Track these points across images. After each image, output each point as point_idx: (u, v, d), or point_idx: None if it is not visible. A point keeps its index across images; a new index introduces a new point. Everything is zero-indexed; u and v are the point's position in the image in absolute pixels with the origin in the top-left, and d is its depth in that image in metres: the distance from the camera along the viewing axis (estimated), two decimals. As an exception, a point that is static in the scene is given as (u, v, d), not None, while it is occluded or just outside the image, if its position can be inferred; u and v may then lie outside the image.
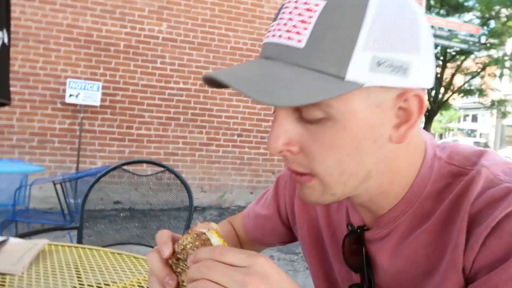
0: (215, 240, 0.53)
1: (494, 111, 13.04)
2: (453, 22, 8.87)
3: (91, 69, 5.12)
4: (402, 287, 0.61)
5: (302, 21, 0.48)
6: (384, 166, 0.55)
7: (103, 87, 5.11)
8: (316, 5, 0.47)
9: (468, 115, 30.51)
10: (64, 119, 5.04)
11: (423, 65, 0.50)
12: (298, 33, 0.48)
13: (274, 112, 0.54)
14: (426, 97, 0.51)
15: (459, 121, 31.21)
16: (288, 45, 0.48)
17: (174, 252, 0.55)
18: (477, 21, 11.57)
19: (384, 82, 0.48)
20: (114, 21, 5.18)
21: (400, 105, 0.51)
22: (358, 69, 0.47)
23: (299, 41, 0.47)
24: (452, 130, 31.32)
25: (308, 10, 0.48)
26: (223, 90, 5.60)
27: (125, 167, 2.03)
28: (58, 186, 3.16)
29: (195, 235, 0.53)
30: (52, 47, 4.96)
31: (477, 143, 21.72)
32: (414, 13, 0.50)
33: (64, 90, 4.90)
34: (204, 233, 0.53)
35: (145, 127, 5.38)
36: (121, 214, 4.70)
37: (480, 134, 29.48)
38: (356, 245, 0.64)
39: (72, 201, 3.30)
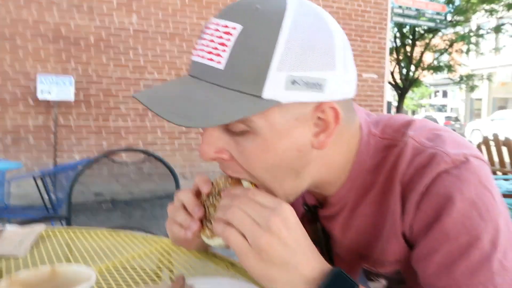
0: (246, 184, 0.59)
1: (463, 86, 13.45)
2: (420, 1, 9.05)
3: (62, 64, 5.04)
4: (356, 254, 0.68)
5: (222, 44, 0.51)
6: (314, 166, 0.59)
7: (76, 82, 5.05)
8: (234, 28, 0.51)
9: (438, 91, 31.30)
10: (37, 115, 4.97)
11: (339, 79, 0.54)
12: (218, 54, 0.51)
13: None
14: (340, 110, 0.55)
15: (430, 97, 31.99)
16: (210, 65, 0.51)
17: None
18: (443, -1, 11.84)
19: (300, 98, 0.52)
20: (82, 15, 5.10)
21: (318, 116, 0.55)
22: (274, 88, 0.50)
23: (219, 62, 0.51)
24: (424, 106, 32.10)
25: (226, 33, 0.51)
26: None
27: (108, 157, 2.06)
28: (39, 182, 3.16)
29: (229, 177, 0.60)
30: (19, 44, 4.86)
31: (448, 118, 22.36)
32: (329, 32, 0.53)
33: (35, 87, 4.82)
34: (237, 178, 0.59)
35: (122, 119, 5.36)
36: (103, 206, 4.71)
37: (451, 108, 30.33)
38: (312, 222, 0.70)
39: (53, 196, 3.31)
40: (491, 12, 11.61)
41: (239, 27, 0.51)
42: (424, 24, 9.42)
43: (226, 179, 0.61)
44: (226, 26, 0.51)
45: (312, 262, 0.53)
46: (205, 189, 0.61)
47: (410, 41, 12.11)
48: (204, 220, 0.62)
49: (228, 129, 0.54)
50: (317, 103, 0.54)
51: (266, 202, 0.53)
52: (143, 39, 5.40)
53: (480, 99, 26.31)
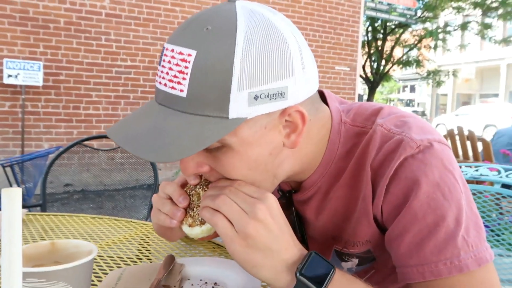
0: None
1: (430, 81, 13.86)
2: (392, -4, 9.23)
3: (29, 48, 4.82)
4: (328, 236, 0.72)
5: (180, 71, 0.52)
6: (288, 164, 0.63)
7: (45, 67, 4.85)
8: (189, 55, 0.52)
9: (407, 86, 32.16)
10: (3, 101, 4.74)
11: (299, 83, 0.56)
12: (179, 83, 0.52)
13: None
14: (305, 111, 0.58)
15: (398, 92, 32.84)
16: (173, 94, 0.53)
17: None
18: (413, -5, 12.11)
19: (265, 110, 0.54)
20: (51, -4, 4.88)
21: (286, 119, 0.58)
22: (238, 107, 0.52)
23: (181, 90, 0.52)
24: (393, 100, 32.92)
25: (183, 60, 0.52)
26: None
27: (80, 144, 1.99)
28: (8, 170, 3.03)
29: None
30: (-17, 24, 4.61)
31: (415, 112, 23.07)
32: (281, 38, 0.54)
33: (1, 71, 4.60)
34: None
35: (93, 107, 5.20)
36: (74, 197, 4.58)
37: (418, 103, 31.27)
38: (287, 206, 0.74)
39: (23, 185, 3.18)
40: (458, 9, 11.99)
41: (193, 52, 0.51)
42: (395, 19, 9.62)
43: None
44: (181, 53, 0.52)
45: (293, 248, 0.56)
46: (193, 181, 0.63)
47: (381, 36, 12.34)
48: (188, 209, 0.63)
49: None
50: (281, 110, 0.56)
51: (252, 192, 0.56)
52: (116, 23, 5.24)
53: (446, 95, 27.27)
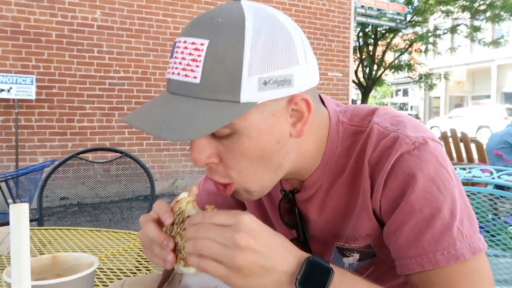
0: (193, 210, 0.61)
1: (422, 85, 13.98)
2: (382, 1, 9.33)
3: (22, 61, 4.82)
4: (330, 234, 0.74)
5: (193, 60, 0.55)
6: (292, 155, 0.65)
7: (38, 80, 4.84)
8: (202, 44, 0.55)
9: (399, 90, 32.38)
10: (-4, 116, 4.72)
11: (303, 72, 0.59)
12: (192, 70, 0.55)
13: None
14: (310, 100, 0.61)
15: (392, 96, 33.05)
16: (186, 81, 0.56)
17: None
18: (402, 0, 12.25)
19: (273, 96, 0.57)
20: (42, 10, 4.89)
21: (292, 108, 0.61)
22: (249, 92, 0.55)
23: (195, 77, 0.55)
24: (386, 105, 33.11)
25: (195, 49, 0.55)
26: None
27: (75, 157, 1.99)
28: (3, 185, 3.01)
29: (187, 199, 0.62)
30: (-26, 39, 4.60)
31: (409, 115, 23.15)
32: (286, 31, 0.58)
33: (-7, 86, 4.58)
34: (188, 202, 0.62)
35: (87, 119, 5.19)
36: (70, 210, 4.54)
37: (411, 107, 31.47)
38: (290, 206, 0.76)
39: (18, 200, 3.16)
40: (447, 13, 12.14)
41: (206, 42, 0.55)
42: (385, 24, 9.72)
43: (184, 202, 0.62)
44: (194, 43, 0.56)
45: (287, 257, 0.55)
46: (167, 221, 0.61)
47: (372, 41, 12.45)
48: (176, 252, 0.61)
49: (214, 135, 0.59)
50: (289, 97, 0.59)
51: (224, 220, 0.55)
52: (108, 35, 5.25)
53: (438, 97, 27.48)
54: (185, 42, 0.57)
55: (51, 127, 5.00)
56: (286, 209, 0.76)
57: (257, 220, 0.56)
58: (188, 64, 0.56)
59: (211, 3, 5.80)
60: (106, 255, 0.90)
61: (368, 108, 0.72)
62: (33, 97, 4.75)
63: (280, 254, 0.55)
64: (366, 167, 0.65)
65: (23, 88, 4.65)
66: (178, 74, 0.57)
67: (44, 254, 0.88)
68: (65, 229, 1.09)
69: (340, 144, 0.69)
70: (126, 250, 0.93)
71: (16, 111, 4.73)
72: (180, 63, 0.57)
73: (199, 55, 0.55)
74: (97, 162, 2.46)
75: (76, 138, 5.14)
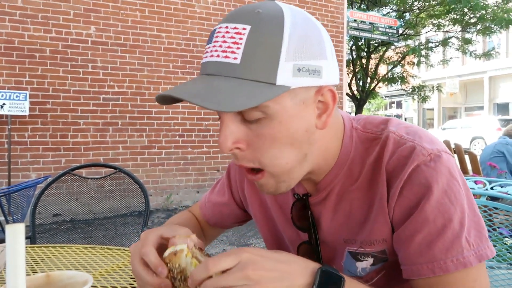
0: (189, 261, 0.59)
1: (415, 97, 14.10)
2: (374, 15, 9.47)
3: (15, 77, 4.81)
4: (341, 238, 0.75)
5: (235, 42, 0.58)
6: (317, 148, 0.67)
7: (31, 96, 4.84)
8: (244, 29, 0.59)
9: (393, 102, 32.64)
10: (-11, 132, 4.69)
11: (330, 68, 0.64)
12: (233, 52, 0.58)
13: (219, 117, 0.63)
14: (336, 91, 0.65)
15: (386, 108, 33.29)
16: (226, 62, 0.58)
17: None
18: (394, 14, 12.44)
19: (305, 83, 0.61)
20: (36, 26, 4.91)
21: (318, 99, 0.64)
22: (284, 76, 0.58)
23: (235, 58, 0.58)
24: (380, 117, 33.23)
25: (237, 33, 0.59)
26: (160, 91, 5.54)
27: (69, 173, 1.97)
28: (-6, 202, 2.97)
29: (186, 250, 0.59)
30: (-32, 56, 4.60)
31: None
32: (318, 29, 0.63)
33: (-14, 102, 4.56)
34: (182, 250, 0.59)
35: (81, 135, 5.17)
36: (63, 227, 4.49)
37: (405, 119, 31.69)
38: (302, 210, 0.77)
39: (10, 217, 3.11)
40: (439, 26, 12.34)
41: (248, 27, 0.58)
42: (378, 37, 9.84)
43: (182, 257, 0.59)
44: (236, 28, 0.59)
45: (300, 271, 0.57)
46: (163, 274, 0.60)
47: (365, 54, 12.59)
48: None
49: (244, 119, 0.61)
50: (317, 87, 0.63)
51: (229, 264, 0.54)
52: (102, 51, 5.27)
53: (432, 109, 27.72)
54: (226, 27, 0.60)
55: (44, 143, 4.97)
56: (298, 212, 0.78)
57: (256, 249, 0.57)
58: (228, 46, 0.58)
59: (205, 19, 5.85)
60: (101, 272, 0.88)
61: (380, 117, 0.75)
62: (27, 113, 4.73)
63: (293, 270, 0.56)
64: (384, 173, 0.68)
65: (16, 104, 4.64)
66: (218, 56, 0.59)
67: (37, 272, 0.87)
68: (58, 247, 1.08)
69: (354, 149, 0.72)
70: (121, 267, 0.92)
71: (9, 127, 4.71)
72: (220, 46, 0.59)
73: (240, 38, 0.58)
74: (90, 178, 2.44)
75: (70, 154, 5.11)
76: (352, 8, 11.45)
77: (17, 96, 4.65)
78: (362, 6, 12.12)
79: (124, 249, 1.06)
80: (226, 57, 0.58)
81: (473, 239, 0.64)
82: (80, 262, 0.95)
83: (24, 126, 4.86)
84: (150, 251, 0.61)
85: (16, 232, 0.33)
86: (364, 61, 12.53)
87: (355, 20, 8.99)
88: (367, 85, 12.25)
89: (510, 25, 11.15)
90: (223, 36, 0.59)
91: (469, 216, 0.65)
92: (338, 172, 0.72)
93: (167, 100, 0.63)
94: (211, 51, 0.60)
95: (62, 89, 5.05)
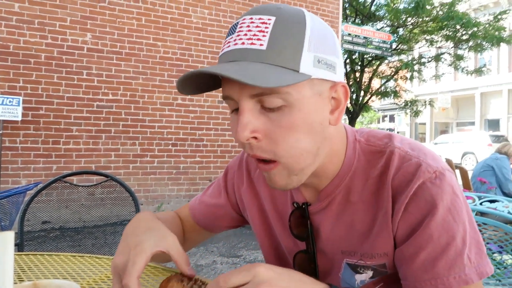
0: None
1: (408, 111, 14.22)
2: (368, 30, 9.59)
3: (9, 82, 4.79)
4: (341, 248, 0.75)
5: (260, 31, 0.60)
6: (327, 145, 0.69)
7: (24, 101, 4.81)
8: (269, 19, 0.61)
9: (386, 116, 32.89)
10: (-20, 137, 4.65)
11: (341, 66, 0.67)
12: (259, 39, 0.60)
13: (232, 111, 0.65)
14: (348, 87, 0.68)
15: (378, 122, 33.52)
16: (252, 48, 0.60)
17: None
18: (388, 29, 12.61)
19: (323, 75, 0.63)
20: (32, 32, 4.91)
21: (332, 95, 0.66)
22: (307, 65, 0.61)
23: (261, 45, 0.60)
24: (373, 130, 33.40)
25: (263, 23, 0.61)
26: (155, 100, 5.54)
27: (60, 180, 1.96)
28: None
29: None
30: (-38, 60, 4.57)
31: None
32: (331, 31, 0.67)
33: (-22, 106, 4.53)
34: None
35: (74, 142, 5.14)
36: (51, 234, 4.43)
37: (398, 132, 31.90)
38: (301, 219, 0.77)
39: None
40: (431, 42, 12.51)
41: (273, 18, 0.61)
42: (372, 51, 9.95)
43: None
44: (261, 18, 0.61)
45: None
46: None
47: (359, 68, 12.71)
48: None
49: (264, 108, 0.62)
50: (332, 82, 0.66)
51: (241, 280, 0.53)
52: (98, 58, 5.27)
53: (424, 124, 27.96)
54: (251, 18, 0.62)
55: (36, 149, 4.93)
56: (297, 221, 0.78)
57: (271, 266, 0.56)
58: (254, 34, 0.60)
59: (201, 29, 5.89)
60: (89, 282, 0.87)
61: (383, 132, 0.76)
62: (19, 118, 4.70)
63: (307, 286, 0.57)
64: (389, 188, 0.68)
65: (9, 109, 4.61)
66: (243, 43, 0.60)
67: (24, 281, 0.85)
68: (46, 255, 1.06)
69: (356, 160, 0.72)
70: (109, 277, 0.91)
71: (0, 132, 4.67)
72: (245, 34, 0.61)
73: (266, 27, 0.60)
74: (81, 186, 2.42)
75: (61, 161, 5.07)
76: (347, 22, 11.59)
77: (10, 101, 4.63)
78: (356, 21, 12.28)
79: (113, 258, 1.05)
80: (252, 43, 0.60)
81: (474, 256, 0.65)
82: (68, 271, 0.94)
83: (16, 132, 4.82)
84: (133, 284, 0.59)
85: (6, 240, 0.33)
86: (357, 74, 12.65)
87: (349, 34, 9.09)
88: (361, 99, 12.34)
89: (501, 43, 11.34)
90: (248, 26, 0.61)
91: (470, 233, 0.66)
92: (340, 182, 0.72)
93: (187, 87, 0.64)
94: (234, 40, 0.62)
95: (56, 95, 5.04)
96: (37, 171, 4.93)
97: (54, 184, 1.89)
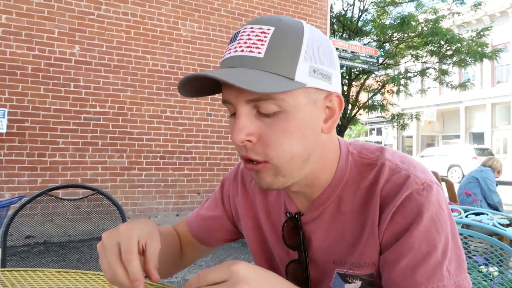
0: None
1: (395, 124, 14.40)
2: (355, 44, 9.74)
3: (-6, 94, 4.73)
4: (332, 258, 0.76)
5: (259, 40, 0.64)
6: (319, 152, 0.71)
7: (10, 113, 4.74)
8: (268, 29, 0.64)
9: (373, 129, 33.23)
10: (-37, 150, 4.56)
11: (338, 78, 0.70)
12: (257, 47, 0.63)
13: (231, 115, 0.67)
14: (342, 98, 0.71)
15: (366, 135, 33.84)
16: (251, 55, 0.63)
17: None
18: (374, 44, 12.83)
19: (318, 85, 0.66)
20: (19, 44, 4.87)
21: (327, 105, 0.69)
22: (302, 74, 0.64)
23: (259, 53, 0.63)
24: (361, 143, 33.65)
25: (262, 32, 0.64)
26: (143, 112, 5.51)
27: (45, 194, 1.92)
28: (-36, 222, 2.85)
29: None
30: None
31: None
32: (329, 43, 0.70)
33: (-38, 118, 4.45)
34: None
35: (60, 154, 5.07)
36: (35, 249, 4.33)
37: (385, 145, 32.16)
38: (294, 228, 0.78)
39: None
40: (417, 57, 12.75)
41: (272, 28, 0.64)
42: (359, 66, 10.09)
43: None
44: (261, 28, 0.65)
45: None
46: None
47: (346, 81, 12.87)
48: None
49: (259, 113, 0.65)
50: (327, 92, 0.68)
51: (219, 277, 0.53)
52: (85, 70, 5.24)
53: (411, 137, 28.31)
54: (251, 27, 0.65)
55: (20, 161, 4.85)
56: (290, 230, 0.79)
57: (250, 265, 0.55)
58: (253, 43, 0.63)
59: (191, 42, 5.92)
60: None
61: (375, 145, 0.79)
62: (4, 130, 4.63)
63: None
64: (377, 198, 0.70)
65: (-7, 121, 4.54)
66: (242, 50, 0.64)
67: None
68: (30, 271, 1.04)
69: (348, 171, 0.74)
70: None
71: (-16, 144, 4.59)
72: (245, 42, 0.64)
73: (265, 37, 0.63)
74: (67, 199, 2.38)
75: (47, 174, 4.99)
76: (334, 37, 11.77)
77: (-6, 113, 4.56)
78: (344, 36, 12.47)
79: (99, 274, 1.03)
80: (251, 51, 0.63)
81: (454, 270, 0.65)
82: (52, 287, 0.92)
83: (1, 144, 4.74)
84: (134, 260, 0.63)
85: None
86: (345, 88, 12.80)
87: (337, 49, 9.22)
88: (348, 112, 12.46)
89: (483, 58, 11.61)
90: (248, 35, 0.65)
91: (452, 248, 0.67)
92: (332, 192, 0.74)
93: (188, 89, 0.67)
94: (235, 47, 0.65)
95: (42, 107, 4.98)
96: (22, 184, 4.84)
97: (39, 198, 1.86)
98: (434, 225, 0.66)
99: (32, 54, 4.94)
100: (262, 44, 0.63)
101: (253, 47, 0.63)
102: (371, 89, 13.49)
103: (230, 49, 0.66)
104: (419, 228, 0.65)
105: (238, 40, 0.66)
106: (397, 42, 12.50)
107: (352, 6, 13.02)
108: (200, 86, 0.69)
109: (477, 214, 1.17)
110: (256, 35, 0.64)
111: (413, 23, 11.48)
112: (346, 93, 12.67)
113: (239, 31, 0.67)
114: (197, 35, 5.98)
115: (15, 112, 4.82)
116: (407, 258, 0.65)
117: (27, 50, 4.91)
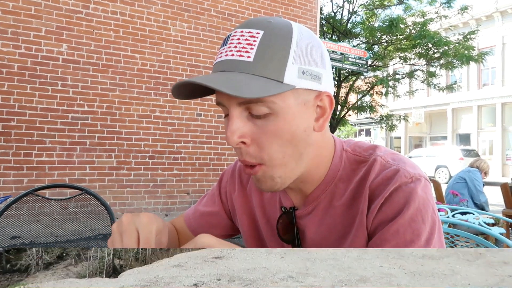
0: None
1: (383, 125, 14.53)
2: (344, 46, 9.80)
3: (-21, 93, 4.65)
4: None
5: (249, 44, 0.66)
6: (312, 150, 0.73)
7: (-5, 112, 4.67)
8: (257, 33, 0.66)
9: (362, 130, 33.47)
10: None
11: (328, 77, 0.72)
12: (247, 51, 0.65)
13: (225, 116, 0.69)
14: (333, 97, 0.73)
15: (355, 136, 34.06)
16: (240, 60, 0.65)
17: None
18: (363, 46, 12.93)
19: (307, 86, 0.68)
20: (5, 41, 4.79)
21: (317, 104, 0.71)
22: (291, 76, 0.66)
23: (248, 57, 0.65)
24: (350, 144, 33.82)
25: (252, 36, 0.66)
26: (132, 112, 5.47)
27: (31, 194, 1.90)
28: None
29: None
30: None
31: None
32: (319, 43, 0.72)
33: None
34: None
35: (47, 154, 5.00)
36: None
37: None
38: (288, 222, 0.82)
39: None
40: (405, 59, 12.89)
41: (261, 32, 0.66)
42: (348, 67, 10.15)
43: None
44: (250, 32, 0.66)
45: None
46: None
47: (336, 82, 12.95)
48: None
49: (251, 115, 0.67)
50: (317, 92, 0.70)
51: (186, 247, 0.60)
52: (73, 69, 5.18)
53: (399, 138, 28.57)
54: (241, 31, 0.67)
55: (6, 161, 4.77)
56: (284, 224, 0.82)
57: (215, 237, 0.60)
58: (243, 47, 0.65)
59: (180, 42, 5.89)
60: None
61: (368, 143, 0.82)
62: (-11, 129, 4.55)
63: None
64: (367, 191, 0.73)
65: (-22, 120, 4.46)
66: (233, 55, 0.65)
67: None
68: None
69: (342, 168, 0.77)
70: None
71: (-31, 144, 4.50)
72: (235, 46, 0.66)
73: (254, 41, 0.65)
74: (54, 199, 2.35)
75: (33, 173, 4.92)
76: (324, 38, 11.83)
77: (-21, 112, 4.48)
78: (333, 37, 12.55)
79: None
80: (241, 56, 0.65)
81: None
82: None
83: (-14, 143, 4.66)
84: (152, 237, 0.69)
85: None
86: (335, 89, 12.87)
87: (327, 50, 9.26)
88: (338, 113, 12.54)
89: (470, 61, 11.78)
90: (238, 39, 0.66)
91: (435, 240, 0.69)
92: (326, 187, 0.77)
93: (181, 93, 0.69)
94: (226, 51, 0.67)
95: (29, 106, 4.91)
96: (7, 184, 4.76)
97: (25, 198, 1.84)
98: (420, 214, 0.68)
99: (18, 52, 4.86)
100: (251, 48, 0.65)
101: (243, 51, 0.65)
102: (360, 90, 13.59)
103: (221, 52, 0.68)
104: (405, 217, 0.68)
105: (229, 44, 0.67)
106: (385, 44, 12.62)
107: (342, 8, 13.12)
108: (193, 89, 0.70)
109: (463, 213, 1.19)
110: (246, 39, 0.66)
111: (402, 26, 11.60)
112: (335, 94, 12.74)
113: (230, 35, 0.69)
114: (186, 34, 5.95)
115: (0, 111, 4.74)
116: (391, 244, 0.68)
117: (13, 48, 4.84)
